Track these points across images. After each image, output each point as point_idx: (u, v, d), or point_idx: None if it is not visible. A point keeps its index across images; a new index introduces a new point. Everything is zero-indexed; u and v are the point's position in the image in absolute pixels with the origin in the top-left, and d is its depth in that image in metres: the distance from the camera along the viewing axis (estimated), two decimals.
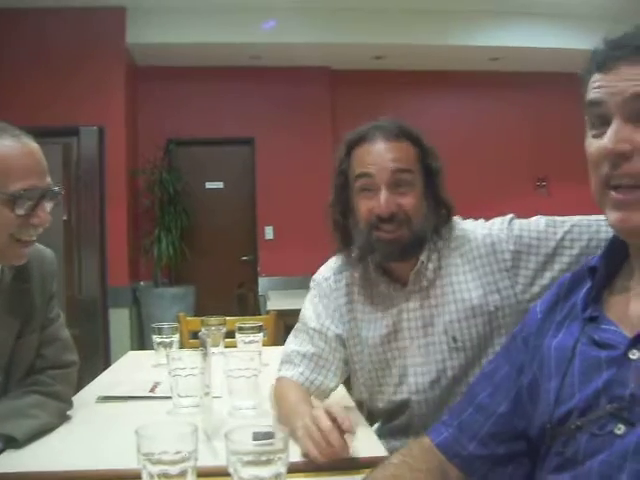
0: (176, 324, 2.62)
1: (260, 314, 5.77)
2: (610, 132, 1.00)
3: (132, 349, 6.00)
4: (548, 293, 1.26)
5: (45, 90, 6.33)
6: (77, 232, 6.50)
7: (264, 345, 2.80)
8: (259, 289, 7.38)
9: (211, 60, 7.31)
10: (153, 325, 2.53)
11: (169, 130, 7.39)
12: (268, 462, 1.09)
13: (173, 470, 1.10)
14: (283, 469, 1.10)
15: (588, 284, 1.14)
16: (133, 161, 7.09)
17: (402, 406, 1.82)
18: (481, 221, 1.87)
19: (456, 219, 1.88)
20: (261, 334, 2.49)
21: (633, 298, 1.07)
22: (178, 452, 1.11)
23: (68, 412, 1.81)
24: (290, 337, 1.96)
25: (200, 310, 6.71)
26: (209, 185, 7.70)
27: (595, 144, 1.04)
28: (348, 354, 1.89)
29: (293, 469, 1.19)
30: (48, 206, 1.60)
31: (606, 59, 1.04)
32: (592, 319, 1.09)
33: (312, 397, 1.81)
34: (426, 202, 1.78)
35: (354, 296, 1.90)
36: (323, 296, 1.93)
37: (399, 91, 7.97)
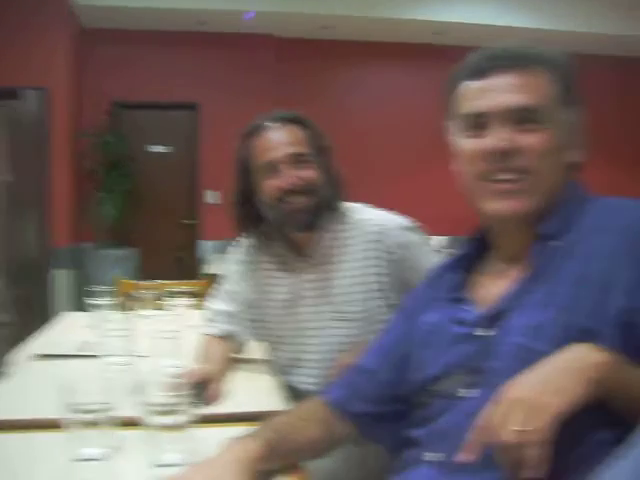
0: (110, 287, 2.75)
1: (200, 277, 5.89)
2: (494, 133, 1.20)
3: (74, 310, 6.07)
4: (428, 275, 1.47)
5: None
6: (20, 193, 6.51)
7: (196, 309, 2.96)
8: (201, 252, 7.52)
9: (158, 24, 7.32)
10: (87, 288, 2.67)
11: (115, 93, 7.37)
12: (173, 412, 1.27)
13: (91, 418, 1.26)
14: (187, 418, 1.28)
15: (456, 268, 1.35)
16: (78, 123, 7.08)
17: (297, 365, 2.11)
18: (381, 211, 2.12)
19: (356, 205, 2.13)
20: (189, 299, 2.63)
21: (488, 281, 1.28)
22: (99, 403, 1.27)
23: (6, 368, 1.96)
24: (212, 298, 2.28)
25: (143, 272, 6.81)
26: (153, 149, 7.74)
27: (471, 143, 1.24)
28: (253, 314, 2.17)
29: (197, 420, 1.37)
30: None
31: (483, 69, 1.24)
32: (455, 299, 1.29)
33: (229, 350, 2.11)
34: (322, 177, 2.01)
35: (263, 264, 2.16)
36: (238, 261, 2.21)
37: (345, 61, 8.11)
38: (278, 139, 1.99)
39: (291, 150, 1.97)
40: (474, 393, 1.15)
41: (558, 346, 1.03)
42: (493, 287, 1.25)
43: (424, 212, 6.75)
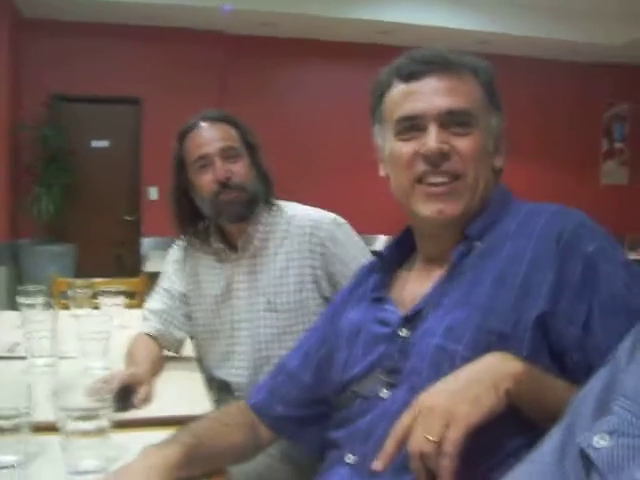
0: (43, 286, 2.69)
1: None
2: (432, 136, 1.19)
3: (9, 308, 5.94)
4: (353, 275, 1.46)
5: None
6: None
7: (135, 307, 2.92)
8: (142, 249, 7.43)
9: (102, 17, 7.19)
10: (20, 286, 2.61)
11: (55, 85, 7.22)
12: (93, 417, 1.23)
13: (7, 425, 1.22)
14: (106, 423, 1.24)
15: (381, 268, 1.34)
16: (16, 116, 6.93)
17: (228, 358, 2.13)
18: (313, 208, 2.20)
19: (289, 202, 2.19)
20: (122, 298, 2.59)
21: (412, 282, 1.28)
22: (12, 408, 1.23)
23: None
24: (150, 296, 2.27)
25: (82, 269, 6.69)
26: (95, 144, 7.61)
27: (408, 146, 1.23)
28: (190, 310, 2.20)
29: (119, 425, 1.33)
30: None
31: (415, 72, 1.23)
32: (378, 300, 1.29)
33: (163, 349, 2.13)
34: (253, 172, 2.11)
35: (199, 260, 2.21)
36: (175, 261, 2.26)
37: (289, 59, 8.12)
38: (210, 135, 2.07)
39: (222, 144, 2.05)
40: (393, 394, 1.15)
41: (473, 347, 1.05)
42: (415, 287, 1.25)
43: (363, 210, 6.78)
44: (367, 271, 1.40)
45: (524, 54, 8.44)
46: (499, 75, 1.29)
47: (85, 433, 1.23)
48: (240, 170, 2.06)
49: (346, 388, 1.25)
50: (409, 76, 1.24)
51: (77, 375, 1.90)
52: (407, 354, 1.15)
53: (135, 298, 3.45)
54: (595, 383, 0.79)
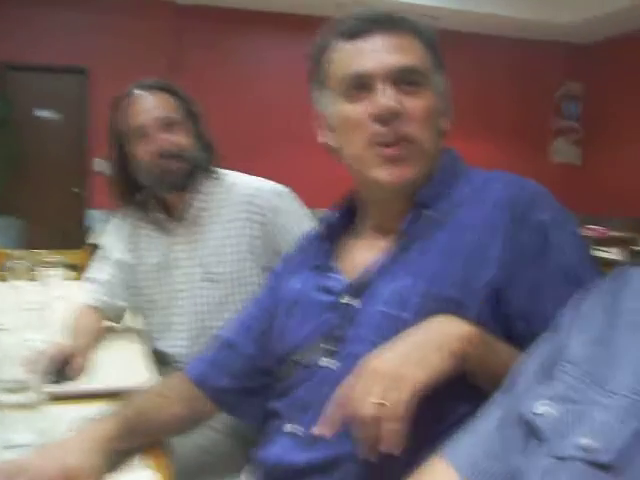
0: None
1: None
2: (384, 93, 1.14)
3: None
4: (297, 243, 1.43)
5: None
6: None
7: (76, 279, 2.85)
8: (88, 221, 7.30)
9: None
10: None
11: (0, 54, 7.04)
12: (26, 389, 1.19)
13: None
14: (41, 396, 1.20)
15: (325, 237, 1.31)
16: None
17: (167, 329, 2.10)
18: (255, 177, 2.16)
19: (232, 171, 2.15)
20: (62, 269, 2.53)
21: (358, 250, 1.25)
22: None
23: None
24: (90, 267, 2.23)
25: (27, 242, 6.57)
26: (40, 113, 7.43)
27: (357, 108, 1.17)
28: (130, 280, 2.15)
29: (56, 397, 1.30)
30: None
31: (360, 31, 1.18)
32: (321, 267, 1.26)
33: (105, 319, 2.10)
34: (194, 141, 2.05)
35: (139, 230, 2.16)
36: (116, 231, 2.21)
37: (244, 30, 8.01)
38: (146, 105, 2.01)
39: (159, 114, 1.99)
40: (335, 362, 1.12)
41: (420, 314, 1.03)
42: (362, 256, 1.22)
43: (315, 183, 6.72)
44: (310, 240, 1.37)
45: (474, 30, 8.46)
46: (449, 52, 1.26)
47: (19, 406, 1.19)
48: (178, 140, 2.00)
49: (287, 358, 1.22)
50: (354, 35, 1.18)
51: (12, 347, 1.85)
52: (351, 321, 1.13)
53: (77, 270, 3.37)
54: (539, 349, 0.78)
